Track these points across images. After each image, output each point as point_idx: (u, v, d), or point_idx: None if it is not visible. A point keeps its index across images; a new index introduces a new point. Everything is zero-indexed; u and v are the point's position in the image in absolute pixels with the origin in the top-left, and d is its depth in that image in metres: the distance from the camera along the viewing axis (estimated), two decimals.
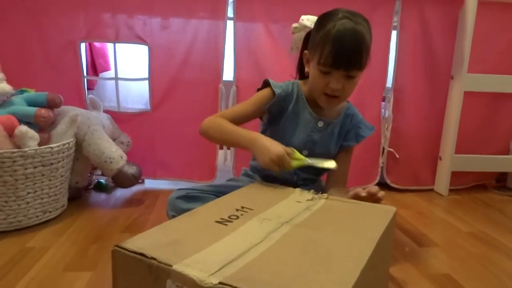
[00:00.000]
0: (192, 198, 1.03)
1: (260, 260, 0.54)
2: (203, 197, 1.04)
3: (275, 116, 1.06)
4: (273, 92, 1.02)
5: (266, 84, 1.06)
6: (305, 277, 0.50)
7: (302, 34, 1.09)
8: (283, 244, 0.59)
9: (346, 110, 1.09)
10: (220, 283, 0.46)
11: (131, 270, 0.55)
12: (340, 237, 0.63)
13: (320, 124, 1.05)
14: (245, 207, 0.74)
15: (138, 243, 0.56)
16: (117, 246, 0.55)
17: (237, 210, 0.73)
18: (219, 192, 1.06)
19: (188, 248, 0.56)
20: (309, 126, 1.05)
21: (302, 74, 1.11)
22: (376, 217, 0.73)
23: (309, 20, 1.06)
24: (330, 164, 0.97)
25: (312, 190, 0.85)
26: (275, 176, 1.03)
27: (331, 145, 1.08)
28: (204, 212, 0.73)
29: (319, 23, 0.97)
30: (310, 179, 1.10)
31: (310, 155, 1.02)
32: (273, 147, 0.90)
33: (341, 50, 0.90)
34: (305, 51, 1.03)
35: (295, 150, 0.94)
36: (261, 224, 0.67)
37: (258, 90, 1.08)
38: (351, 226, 0.69)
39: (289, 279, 0.49)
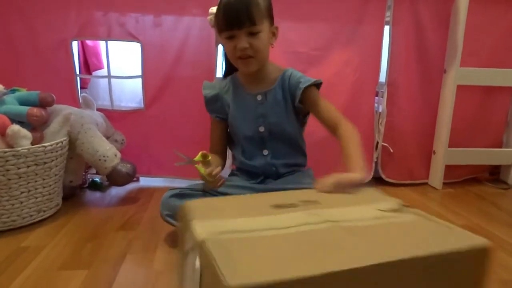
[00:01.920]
0: (186, 196, 1.03)
1: (260, 240, 0.58)
2: (195, 194, 1.04)
3: (224, 114, 1.14)
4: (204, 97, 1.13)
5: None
6: (276, 262, 0.53)
7: None
8: (298, 236, 0.61)
9: (282, 75, 1.10)
10: (201, 240, 0.57)
11: None
12: (374, 244, 0.58)
13: (259, 97, 1.10)
14: (314, 201, 0.75)
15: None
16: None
17: (302, 201, 0.75)
18: (211, 189, 1.07)
19: (222, 214, 0.68)
20: (251, 104, 1.10)
21: (228, 63, 1.16)
22: (451, 241, 0.60)
23: None
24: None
25: (399, 201, 0.75)
26: (255, 172, 1.08)
27: (281, 112, 1.09)
28: (272, 196, 0.80)
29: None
30: (291, 168, 1.13)
31: (267, 129, 1.09)
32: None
33: (228, 11, 0.98)
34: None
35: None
36: (304, 216, 0.68)
37: None
38: (406, 239, 0.60)
39: (260, 262, 0.53)
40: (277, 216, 0.69)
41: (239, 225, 0.64)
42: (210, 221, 0.65)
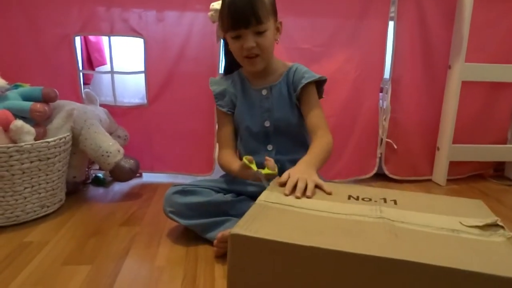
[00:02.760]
0: (188, 192, 1.03)
1: (301, 215, 0.68)
2: (199, 191, 1.04)
3: (232, 109, 1.14)
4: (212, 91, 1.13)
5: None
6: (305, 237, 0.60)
7: None
8: (341, 221, 0.66)
9: (288, 70, 1.12)
10: (256, 203, 0.73)
11: None
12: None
13: (264, 92, 1.11)
14: (393, 200, 0.77)
15: None
16: None
17: (380, 198, 0.78)
18: (214, 186, 1.07)
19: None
20: (257, 99, 1.12)
21: (228, 59, 1.18)
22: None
23: (219, 4, 1.08)
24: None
25: (496, 219, 0.69)
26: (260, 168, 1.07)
27: (286, 107, 1.10)
28: (355, 188, 0.85)
29: (221, 1, 1.05)
30: (284, 150, 1.13)
31: (272, 124, 1.11)
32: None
33: (234, 10, 0.98)
34: (220, 31, 1.10)
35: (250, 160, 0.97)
36: (367, 210, 0.71)
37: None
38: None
39: (278, 226, 0.63)
40: (342, 204, 0.74)
41: (298, 202, 0.74)
42: (276, 193, 0.77)
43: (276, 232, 0.60)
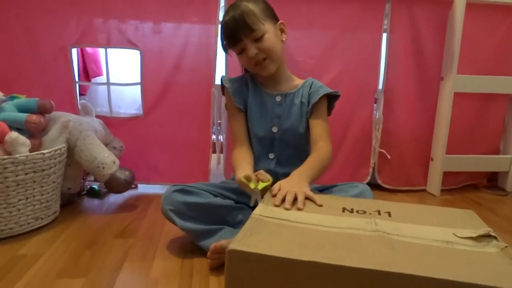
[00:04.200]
0: (188, 192, 1.04)
1: (296, 229, 0.68)
2: (198, 192, 1.05)
3: (245, 108, 1.15)
4: (227, 89, 1.14)
5: (221, 81, 1.17)
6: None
7: None
8: (336, 235, 0.66)
9: (304, 82, 1.17)
10: (251, 217, 0.72)
11: None
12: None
13: (278, 98, 1.14)
14: (387, 212, 0.78)
15: None
16: None
17: (374, 211, 0.78)
18: (213, 190, 1.08)
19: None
20: (269, 103, 1.14)
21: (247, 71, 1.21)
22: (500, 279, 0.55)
23: None
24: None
25: (489, 230, 0.70)
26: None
27: (297, 117, 1.12)
28: (349, 200, 0.85)
29: None
30: (287, 159, 1.13)
31: (280, 131, 1.12)
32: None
33: (227, 30, 1.06)
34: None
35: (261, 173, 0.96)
36: (362, 222, 0.72)
37: (222, 92, 1.20)
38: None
39: (273, 241, 0.63)
40: (337, 217, 0.74)
41: (293, 216, 0.74)
42: (270, 207, 0.78)
43: (274, 247, 0.60)
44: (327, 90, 1.12)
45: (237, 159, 1.09)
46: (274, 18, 1.10)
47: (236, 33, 1.04)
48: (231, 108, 1.16)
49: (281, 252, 0.58)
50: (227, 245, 0.93)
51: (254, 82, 1.17)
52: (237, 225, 1.06)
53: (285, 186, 0.86)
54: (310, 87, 1.14)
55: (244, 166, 1.02)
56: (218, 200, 1.05)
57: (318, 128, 1.09)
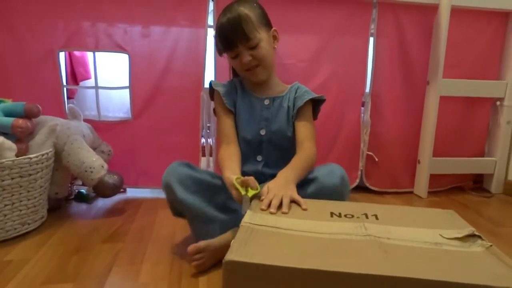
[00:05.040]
0: (194, 168, 1.06)
1: (288, 237, 0.68)
2: (203, 171, 1.09)
3: (234, 111, 1.16)
4: (218, 91, 1.14)
5: (210, 85, 1.18)
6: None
7: None
8: (328, 241, 0.66)
9: (291, 87, 1.18)
10: (241, 225, 0.71)
11: None
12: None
13: (267, 102, 1.15)
14: (374, 215, 0.78)
15: None
16: None
17: (362, 214, 0.79)
18: (214, 174, 1.12)
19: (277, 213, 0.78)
20: (258, 106, 1.15)
21: (235, 73, 1.22)
22: (488, 277, 0.57)
23: None
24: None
25: (473, 230, 0.71)
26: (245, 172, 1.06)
27: (284, 120, 1.13)
28: (336, 204, 0.85)
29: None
30: (274, 162, 1.13)
31: (267, 133, 1.13)
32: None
33: (222, 34, 1.07)
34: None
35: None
36: (351, 227, 0.72)
37: (211, 97, 1.21)
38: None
39: (268, 249, 0.62)
40: (327, 223, 0.74)
41: (284, 223, 0.73)
42: (259, 214, 0.77)
43: (271, 256, 0.60)
44: (312, 95, 1.13)
45: (224, 157, 1.07)
46: (268, 25, 1.12)
47: (232, 39, 1.05)
48: (220, 110, 1.16)
49: (279, 261, 0.58)
50: (204, 246, 0.95)
51: (243, 87, 1.19)
52: (232, 212, 1.05)
53: (273, 189, 0.86)
54: (296, 92, 1.16)
55: (232, 167, 1.01)
56: (220, 183, 1.05)
57: (303, 130, 1.10)
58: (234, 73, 1.23)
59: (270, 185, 0.89)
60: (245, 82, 1.19)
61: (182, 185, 1.00)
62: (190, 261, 0.97)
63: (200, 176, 1.05)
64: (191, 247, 0.95)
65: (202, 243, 0.96)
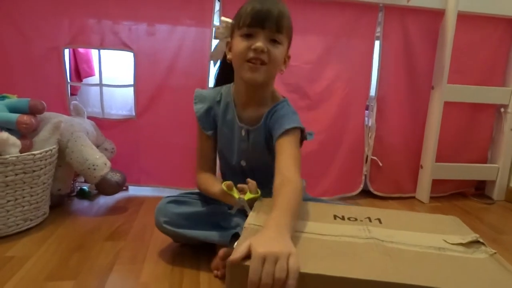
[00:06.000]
0: (182, 203, 1.03)
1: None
2: (192, 202, 1.05)
3: (214, 132, 1.08)
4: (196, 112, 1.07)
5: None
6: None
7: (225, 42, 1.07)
8: (330, 243, 0.67)
9: (269, 110, 1.01)
10: (244, 227, 0.72)
11: None
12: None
13: (243, 133, 1.03)
14: (377, 219, 0.78)
15: None
16: None
17: (365, 218, 0.79)
18: (204, 199, 1.07)
19: None
20: (237, 136, 1.05)
21: (219, 83, 1.13)
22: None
23: (230, 19, 1.04)
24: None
25: (476, 236, 0.71)
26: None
27: (263, 151, 1.03)
28: (339, 207, 0.85)
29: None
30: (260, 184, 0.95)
31: (248, 164, 1.06)
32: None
33: (260, 7, 0.90)
34: (228, 40, 1.03)
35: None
36: (354, 230, 0.72)
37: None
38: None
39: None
40: (330, 225, 0.74)
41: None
42: (263, 215, 0.76)
43: None
44: (290, 124, 0.95)
45: (202, 182, 1.06)
46: (289, 42, 1.00)
47: (264, 17, 0.90)
48: (199, 130, 1.09)
49: None
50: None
51: (228, 103, 1.05)
52: (233, 229, 1.02)
53: (260, 249, 0.58)
54: (271, 117, 1.00)
55: (214, 183, 1.01)
56: (212, 207, 1.04)
57: (283, 158, 0.90)
58: (219, 79, 1.14)
59: (256, 241, 0.60)
60: (232, 95, 1.05)
61: (173, 225, 1.00)
62: (215, 268, 0.96)
63: (188, 210, 1.02)
64: (222, 252, 0.90)
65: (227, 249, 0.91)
